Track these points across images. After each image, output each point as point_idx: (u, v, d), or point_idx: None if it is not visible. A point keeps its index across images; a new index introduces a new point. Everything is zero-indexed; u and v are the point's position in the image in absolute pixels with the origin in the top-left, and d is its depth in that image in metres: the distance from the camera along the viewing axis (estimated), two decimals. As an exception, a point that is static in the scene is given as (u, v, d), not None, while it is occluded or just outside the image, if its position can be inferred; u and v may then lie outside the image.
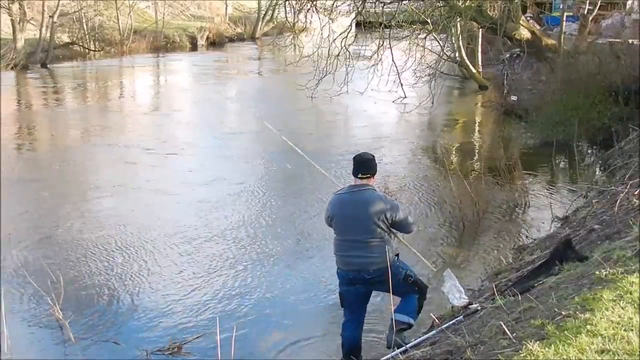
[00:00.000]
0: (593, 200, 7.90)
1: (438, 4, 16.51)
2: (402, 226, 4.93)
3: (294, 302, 6.37)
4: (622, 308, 3.33)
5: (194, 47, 34.99)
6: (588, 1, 20.47)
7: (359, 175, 4.93)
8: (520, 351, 3.04)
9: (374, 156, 5.10)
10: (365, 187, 4.90)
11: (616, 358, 2.85)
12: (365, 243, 4.80)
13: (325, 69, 15.72)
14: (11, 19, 25.92)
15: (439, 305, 5.67)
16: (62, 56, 28.48)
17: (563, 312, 3.40)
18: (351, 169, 5.03)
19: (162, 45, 33.44)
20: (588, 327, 3.13)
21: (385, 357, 4.60)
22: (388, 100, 17.27)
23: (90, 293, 6.55)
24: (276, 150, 13.03)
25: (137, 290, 6.62)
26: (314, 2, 16.72)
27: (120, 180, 10.77)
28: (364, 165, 4.97)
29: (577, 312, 3.34)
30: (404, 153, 12.62)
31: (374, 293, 5.13)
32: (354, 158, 5.05)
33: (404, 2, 17.06)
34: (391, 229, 4.89)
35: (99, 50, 30.35)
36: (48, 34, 27.44)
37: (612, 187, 8.00)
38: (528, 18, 20.40)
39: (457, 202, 8.56)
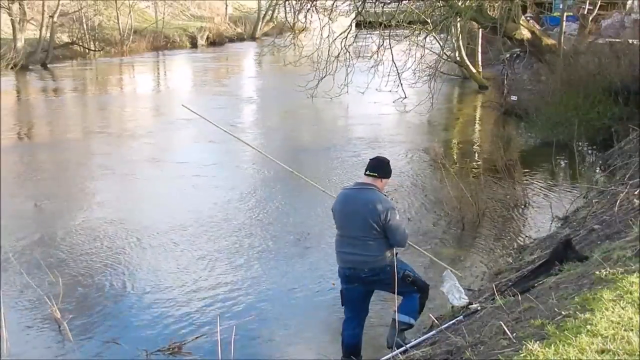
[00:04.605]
0: (593, 200, 7.90)
1: (438, 4, 16.51)
2: (393, 233, 4.81)
3: (294, 302, 6.36)
4: (622, 308, 3.33)
5: (194, 46, 35.01)
6: (588, 1, 20.48)
7: (367, 173, 4.99)
8: (520, 351, 3.04)
9: (388, 161, 5.14)
10: (369, 186, 4.91)
11: (616, 358, 2.85)
12: (360, 240, 4.80)
13: (325, 69, 15.74)
14: (11, 19, 25.94)
15: (439, 305, 5.67)
16: (62, 56, 28.51)
17: (563, 312, 3.40)
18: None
19: (162, 45, 33.46)
20: (588, 327, 3.13)
21: (385, 357, 4.60)
22: (388, 100, 17.26)
23: (89, 293, 6.55)
24: (277, 148, 13.05)
25: (137, 290, 6.61)
26: (314, 2, 16.74)
27: (119, 179, 10.78)
28: (374, 164, 5.03)
29: (577, 312, 3.33)
30: (403, 153, 12.61)
31: (375, 292, 5.13)
32: (370, 158, 5.18)
33: (404, 2, 17.06)
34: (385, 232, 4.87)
35: (99, 50, 30.37)
36: (48, 34, 27.46)
37: (612, 187, 8.00)
38: (528, 18, 20.40)
39: (456, 202, 8.55)
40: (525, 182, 9.93)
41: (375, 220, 4.74)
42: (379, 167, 5.00)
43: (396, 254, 4.96)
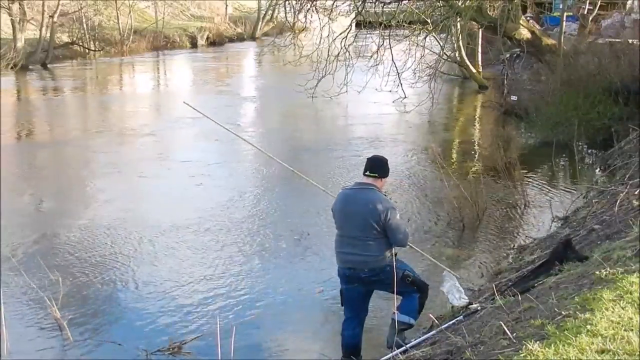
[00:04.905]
0: (593, 200, 7.90)
1: (438, 4, 16.51)
2: (393, 233, 4.80)
3: (294, 302, 6.36)
4: (622, 308, 3.33)
5: (194, 46, 35.03)
6: (588, 1, 20.48)
7: (367, 174, 4.96)
8: (520, 351, 3.04)
9: (387, 160, 5.12)
10: (370, 186, 4.91)
11: (616, 358, 2.85)
12: (360, 240, 4.79)
13: (325, 69, 15.74)
14: (11, 19, 25.94)
15: (439, 305, 5.67)
16: (62, 56, 28.52)
17: (563, 312, 3.40)
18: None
19: (162, 45, 33.47)
20: (588, 327, 3.13)
21: (385, 357, 4.60)
22: (388, 100, 17.26)
23: (90, 293, 6.54)
24: (278, 148, 13.05)
25: (138, 290, 6.61)
26: (314, 2, 16.74)
27: (119, 179, 10.77)
28: (374, 165, 5.00)
29: (577, 312, 3.33)
30: (403, 153, 12.62)
31: (374, 292, 5.13)
32: (368, 157, 5.13)
33: (404, 2, 17.07)
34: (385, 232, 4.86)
35: (99, 50, 30.38)
36: (48, 34, 27.46)
37: (612, 187, 8.00)
38: (528, 18, 20.41)
39: (456, 202, 8.54)
40: (525, 182, 9.92)
41: (375, 220, 4.73)
42: (379, 167, 5.00)
43: (396, 254, 4.96)
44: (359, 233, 4.80)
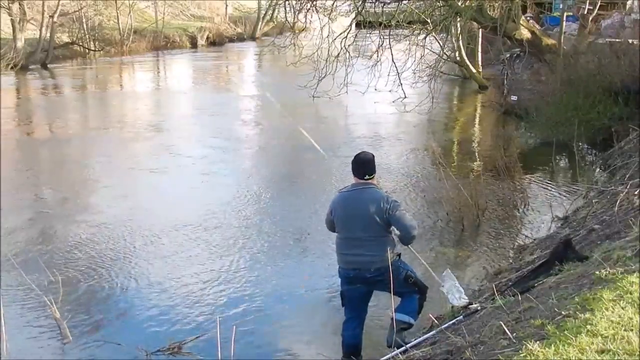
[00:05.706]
0: (593, 200, 7.90)
1: (438, 4, 16.51)
2: (400, 222, 4.77)
3: (294, 302, 6.35)
4: (622, 308, 3.33)
5: (194, 46, 35.07)
6: (588, 1, 20.48)
7: (366, 178, 4.91)
8: (520, 351, 3.04)
9: (373, 155, 5.09)
10: (369, 185, 4.90)
11: (616, 358, 2.85)
12: (365, 241, 4.79)
13: (325, 69, 15.73)
14: (11, 19, 25.96)
15: (439, 305, 5.66)
16: (62, 56, 28.55)
17: (563, 312, 3.40)
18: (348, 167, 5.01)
19: (162, 45, 33.50)
20: (588, 327, 3.13)
21: (385, 357, 4.59)
22: (388, 100, 17.26)
23: (89, 293, 6.54)
24: (276, 147, 13.08)
25: (137, 290, 6.61)
26: (314, 2, 16.73)
27: (118, 179, 10.77)
28: (367, 167, 4.95)
29: (577, 312, 3.34)
30: (403, 153, 12.61)
31: (374, 292, 5.13)
32: (356, 158, 5.01)
33: (404, 2, 17.06)
34: (391, 229, 4.87)
35: (99, 50, 30.41)
36: (48, 34, 27.49)
37: (612, 187, 8.00)
38: (528, 18, 20.40)
39: (456, 202, 8.54)
40: (525, 182, 9.92)
41: (380, 215, 4.72)
42: (372, 168, 4.97)
43: (399, 254, 4.95)
44: (362, 234, 4.79)
